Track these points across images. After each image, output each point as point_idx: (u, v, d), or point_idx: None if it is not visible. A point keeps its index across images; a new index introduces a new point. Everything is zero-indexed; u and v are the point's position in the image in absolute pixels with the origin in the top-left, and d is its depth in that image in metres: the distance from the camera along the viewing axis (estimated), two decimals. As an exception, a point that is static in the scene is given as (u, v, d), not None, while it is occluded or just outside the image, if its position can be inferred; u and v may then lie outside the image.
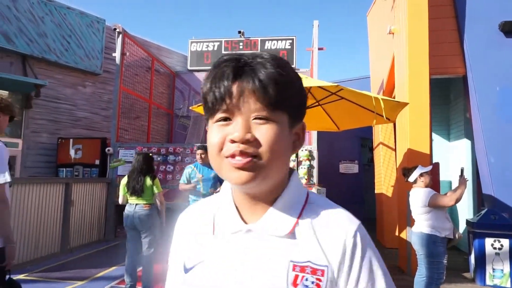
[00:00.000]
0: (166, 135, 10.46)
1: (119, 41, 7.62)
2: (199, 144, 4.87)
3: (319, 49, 7.45)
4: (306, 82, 4.09)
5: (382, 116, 3.88)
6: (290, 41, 10.71)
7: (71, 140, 7.97)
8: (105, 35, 9.25)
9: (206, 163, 4.51)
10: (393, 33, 6.17)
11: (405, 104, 4.43)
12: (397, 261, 5.56)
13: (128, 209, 3.94)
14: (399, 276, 4.91)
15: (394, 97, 6.44)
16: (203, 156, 4.48)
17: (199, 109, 4.75)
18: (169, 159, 7.02)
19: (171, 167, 7.01)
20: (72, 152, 7.84)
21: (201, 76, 10.72)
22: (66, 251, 5.80)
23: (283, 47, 10.70)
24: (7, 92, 7.61)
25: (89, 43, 8.90)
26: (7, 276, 2.24)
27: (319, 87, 4.38)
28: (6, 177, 2.20)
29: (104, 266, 5.14)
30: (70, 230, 5.94)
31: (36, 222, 5.26)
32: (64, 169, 7.70)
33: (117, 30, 7.64)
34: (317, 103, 5.14)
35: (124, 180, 4.07)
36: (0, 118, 2.35)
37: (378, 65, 8.12)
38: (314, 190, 4.42)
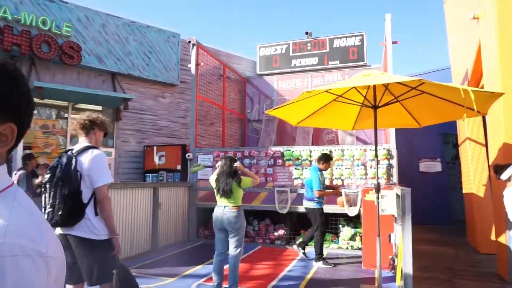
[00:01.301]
0: (239, 139, 10.80)
1: (193, 53, 8.08)
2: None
3: (393, 42, 7.11)
4: (384, 79, 3.94)
5: (473, 110, 3.58)
6: (360, 37, 10.40)
7: (155, 147, 8.66)
8: (180, 48, 9.88)
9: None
10: (477, 18, 5.66)
11: (500, 94, 4.03)
12: (495, 268, 5.06)
13: (217, 211, 4.16)
14: (500, 284, 4.47)
15: (482, 87, 5.90)
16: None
17: (274, 112, 4.84)
18: (245, 162, 7.24)
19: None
20: (156, 159, 8.51)
21: (270, 80, 10.89)
22: (156, 250, 6.29)
23: (352, 44, 10.42)
24: (101, 106, 8.53)
25: (167, 56, 9.58)
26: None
27: (398, 83, 4.19)
28: (110, 179, 2.64)
29: (190, 264, 5.47)
30: (158, 230, 6.43)
31: (130, 223, 5.80)
32: (150, 174, 8.38)
33: (192, 42, 8.10)
34: (395, 100, 4.92)
35: (212, 183, 4.29)
36: (97, 133, 2.82)
37: (460, 54, 7.50)
38: (396, 190, 4.23)
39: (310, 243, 5.96)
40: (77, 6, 8.07)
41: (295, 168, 6.92)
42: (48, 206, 2.49)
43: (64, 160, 2.54)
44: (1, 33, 6.78)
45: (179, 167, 8.27)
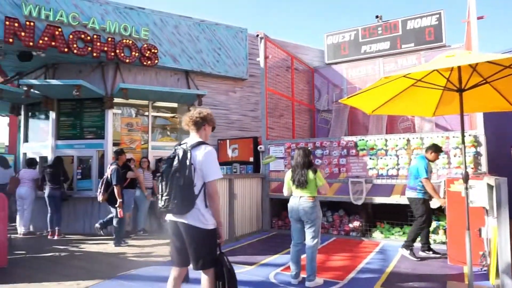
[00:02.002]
0: (309, 130, 10.72)
1: (261, 46, 8.17)
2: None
3: (478, 18, 6.46)
4: (472, 58, 3.61)
5: None
6: (437, 16, 9.61)
7: (228, 140, 8.98)
8: (248, 42, 10.05)
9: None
10: None
11: None
12: None
13: (293, 201, 4.21)
14: None
15: None
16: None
17: (347, 101, 4.71)
18: (317, 153, 7.18)
19: (319, 161, 7.15)
20: (229, 152, 8.83)
21: (339, 68, 10.60)
22: (233, 239, 6.56)
23: (428, 24, 9.69)
24: (177, 103, 9.06)
25: (235, 52, 9.82)
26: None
27: (490, 62, 3.81)
28: (221, 174, 2.84)
29: (267, 253, 5.62)
30: (235, 220, 6.69)
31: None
32: (224, 166, 8.72)
33: (259, 36, 8.20)
34: (484, 81, 4.48)
35: (288, 174, 4.36)
36: (206, 129, 3.04)
37: None
38: (487, 180, 3.87)
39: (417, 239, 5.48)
40: (152, 11, 8.62)
41: (370, 158, 6.68)
42: (165, 194, 2.75)
43: (181, 153, 2.76)
44: (91, 42, 7.52)
45: (251, 159, 8.48)
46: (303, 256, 4.23)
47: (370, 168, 6.66)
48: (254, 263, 5.10)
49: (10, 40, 6.78)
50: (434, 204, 5.43)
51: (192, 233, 2.76)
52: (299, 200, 4.13)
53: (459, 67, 3.99)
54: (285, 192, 4.39)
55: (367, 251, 5.74)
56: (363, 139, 6.80)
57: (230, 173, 8.56)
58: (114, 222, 6.53)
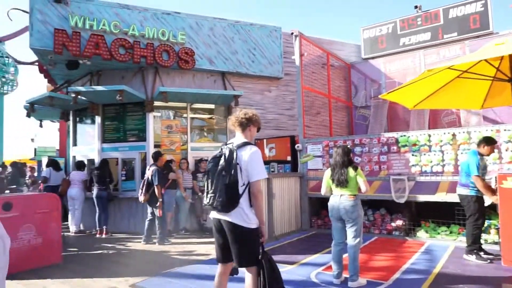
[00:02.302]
0: (347, 128, 10.51)
1: (296, 44, 8.11)
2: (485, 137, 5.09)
3: (530, 2, 6.02)
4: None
5: None
6: (482, 1, 9.08)
7: (264, 140, 9.01)
8: (282, 41, 10.02)
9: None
10: None
11: None
12: None
13: (333, 200, 4.15)
14: None
15: None
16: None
17: (388, 96, 4.58)
18: (356, 150, 7.02)
19: (358, 159, 6.99)
20: (267, 151, 8.85)
21: (377, 63, 10.30)
22: (273, 238, 6.57)
23: (473, 11, 9.19)
24: (214, 105, 9.22)
25: (270, 51, 9.82)
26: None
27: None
28: (265, 175, 2.89)
29: (307, 253, 5.57)
30: (274, 220, 6.70)
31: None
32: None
33: (294, 33, 8.15)
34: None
35: (327, 173, 4.31)
36: (252, 129, 3.09)
37: None
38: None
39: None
40: (188, 15, 8.83)
41: (412, 155, 6.44)
42: (210, 191, 2.85)
43: (227, 152, 2.84)
44: (132, 48, 7.84)
45: (289, 158, 8.45)
46: (345, 256, 4.16)
47: (413, 165, 6.42)
48: (294, 262, 5.08)
49: (59, 50, 7.22)
50: (486, 201, 5.13)
51: (235, 232, 2.82)
52: (339, 198, 4.06)
53: (510, 55, 3.75)
54: (323, 191, 4.34)
55: (412, 251, 5.54)
56: (404, 135, 6.56)
57: (268, 172, 8.58)
58: (156, 222, 6.77)
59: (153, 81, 8.44)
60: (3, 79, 14.85)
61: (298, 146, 7.86)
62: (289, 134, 9.08)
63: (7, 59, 13.77)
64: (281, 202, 7.02)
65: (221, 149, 2.93)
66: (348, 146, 4.43)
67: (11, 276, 4.76)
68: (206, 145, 9.10)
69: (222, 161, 2.82)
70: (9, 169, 11.42)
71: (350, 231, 4.05)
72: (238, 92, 8.64)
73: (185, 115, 8.97)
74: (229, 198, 2.75)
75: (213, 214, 2.96)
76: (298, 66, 8.02)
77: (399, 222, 6.58)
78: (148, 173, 6.80)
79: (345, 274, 4.16)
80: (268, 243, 6.28)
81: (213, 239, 3.14)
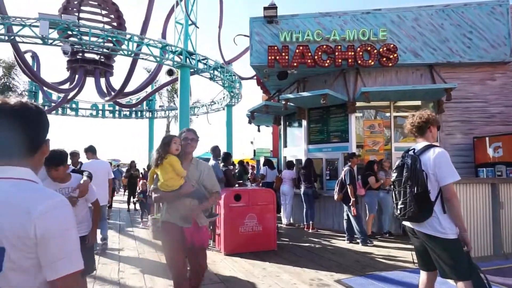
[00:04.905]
0: None
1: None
2: None
3: None
4: None
5: None
6: None
7: (486, 138, 7.58)
8: (510, 16, 8.21)
9: None
10: None
11: None
12: None
13: None
14: None
15: None
16: None
17: None
18: None
19: None
20: (490, 151, 7.41)
21: None
22: (501, 257, 5.46)
23: None
24: (420, 101, 8.46)
25: (492, 31, 8.22)
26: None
27: None
28: (457, 176, 2.60)
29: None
30: (501, 233, 5.56)
31: (465, 222, 5.34)
32: (484, 169, 7.41)
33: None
34: None
35: None
36: (432, 130, 2.86)
37: None
38: None
39: None
40: (389, 10, 8.45)
41: None
42: (399, 202, 2.73)
43: (409, 160, 2.69)
44: (333, 53, 8.16)
45: (522, 160, 6.83)
46: None
47: None
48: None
49: (272, 64, 8.29)
50: None
51: (431, 243, 2.61)
52: None
53: None
54: None
55: None
56: None
57: (493, 177, 7.17)
58: (353, 222, 6.82)
59: (355, 82, 8.50)
60: (232, 93, 18.20)
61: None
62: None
63: (234, 76, 16.80)
64: (510, 212, 5.75)
65: (402, 157, 2.79)
66: None
67: (239, 254, 5.82)
68: (411, 144, 8.41)
69: (405, 171, 2.66)
70: (237, 167, 13.89)
71: None
72: (450, 84, 7.62)
73: (388, 114, 8.62)
74: (420, 208, 2.56)
75: (406, 223, 2.82)
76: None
77: None
78: (342, 173, 7.00)
79: None
80: (495, 261, 5.28)
81: None
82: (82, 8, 15.66)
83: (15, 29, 11.40)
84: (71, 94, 17.69)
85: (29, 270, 1.02)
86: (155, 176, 3.14)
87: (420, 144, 2.82)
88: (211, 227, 6.42)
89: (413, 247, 2.95)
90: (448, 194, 2.56)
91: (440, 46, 8.27)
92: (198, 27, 14.02)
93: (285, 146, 10.52)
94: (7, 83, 22.65)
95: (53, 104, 19.98)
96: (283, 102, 8.65)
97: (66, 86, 17.65)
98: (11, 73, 22.57)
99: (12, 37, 11.52)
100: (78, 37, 11.97)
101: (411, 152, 2.78)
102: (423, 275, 2.84)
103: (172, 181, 3.00)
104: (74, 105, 22.57)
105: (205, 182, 3.17)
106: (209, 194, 3.18)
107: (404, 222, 2.85)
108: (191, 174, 3.13)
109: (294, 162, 9.60)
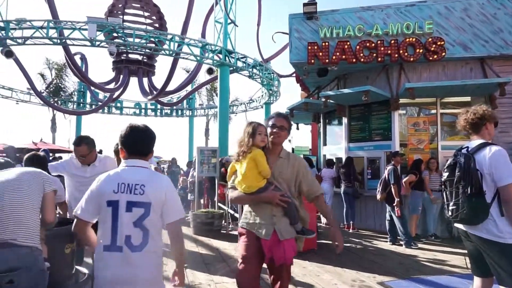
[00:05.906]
0: None
1: None
2: None
3: None
4: None
5: None
6: None
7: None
8: None
9: None
10: None
11: None
12: None
13: None
14: None
15: None
16: None
17: None
18: None
19: None
20: (549, 150, 6.87)
21: None
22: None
23: None
24: (470, 96, 7.99)
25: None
26: None
27: None
28: None
29: None
30: None
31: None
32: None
33: None
34: None
35: None
36: (488, 127, 2.68)
37: None
38: None
39: None
40: (435, 1, 8.05)
41: None
42: (451, 204, 2.57)
43: (462, 159, 2.52)
44: (375, 48, 7.89)
45: None
46: None
47: None
48: None
49: (312, 61, 8.17)
50: None
51: (486, 247, 2.43)
52: None
53: None
54: None
55: None
56: None
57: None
58: (397, 223, 6.57)
59: (398, 78, 8.19)
60: (270, 91, 18.20)
61: None
62: None
63: (273, 74, 16.79)
64: None
65: (455, 156, 2.60)
66: None
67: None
68: (460, 143, 7.97)
69: (457, 170, 2.48)
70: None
71: None
72: (504, 79, 7.14)
73: (434, 111, 8.22)
74: (474, 210, 2.39)
75: (459, 225, 2.65)
76: None
77: None
78: (386, 172, 6.76)
79: None
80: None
81: None
82: (126, 11, 16.30)
83: (66, 32, 12.12)
84: (116, 93, 18.53)
85: (160, 216, 1.92)
86: (235, 172, 2.63)
87: (475, 142, 2.64)
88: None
89: (463, 251, 2.79)
90: (506, 196, 2.37)
91: (492, 38, 7.76)
92: (237, 26, 14.16)
93: (325, 144, 10.36)
94: (59, 84, 24.13)
95: (99, 103, 21.06)
96: (323, 100, 8.51)
97: (111, 86, 18.53)
98: (62, 75, 24.02)
99: (64, 40, 12.25)
100: (123, 38, 12.52)
101: (464, 151, 2.61)
102: (477, 281, 2.66)
103: (249, 181, 2.46)
104: (118, 104, 23.64)
105: (302, 184, 2.60)
106: (298, 199, 2.64)
107: (456, 224, 2.69)
108: (279, 172, 2.52)
109: (334, 160, 9.43)
